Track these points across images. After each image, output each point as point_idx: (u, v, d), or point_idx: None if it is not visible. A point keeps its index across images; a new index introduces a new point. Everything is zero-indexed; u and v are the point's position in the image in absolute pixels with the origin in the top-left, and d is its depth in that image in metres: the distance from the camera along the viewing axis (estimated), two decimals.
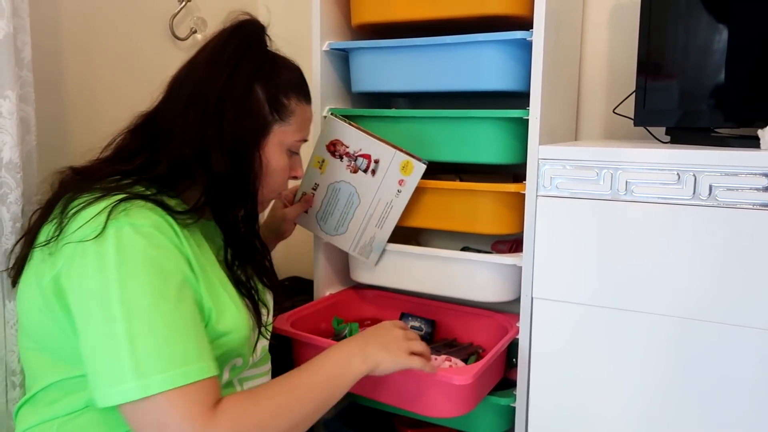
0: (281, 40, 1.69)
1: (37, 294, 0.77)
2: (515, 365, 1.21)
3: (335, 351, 0.86)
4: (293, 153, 0.96)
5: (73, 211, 0.76)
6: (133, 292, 0.71)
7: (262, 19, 0.93)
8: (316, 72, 1.26)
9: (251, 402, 0.75)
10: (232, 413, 0.72)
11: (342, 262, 1.38)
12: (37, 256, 0.78)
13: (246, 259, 0.91)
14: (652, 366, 0.88)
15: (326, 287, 1.35)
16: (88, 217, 0.74)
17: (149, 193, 0.80)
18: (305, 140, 0.96)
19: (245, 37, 0.88)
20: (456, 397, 1.04)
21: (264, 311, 0.94)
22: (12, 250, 0.87)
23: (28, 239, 0.82)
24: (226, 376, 0.86)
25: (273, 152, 0.90)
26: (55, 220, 0.77)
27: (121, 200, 0.75)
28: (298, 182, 1.18)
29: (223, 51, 0.86)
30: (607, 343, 0.90)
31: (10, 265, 0.86)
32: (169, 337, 0.71)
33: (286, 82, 0.91)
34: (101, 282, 0.71)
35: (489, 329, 1.28)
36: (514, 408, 1.15)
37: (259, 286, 0.95)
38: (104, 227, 0.72)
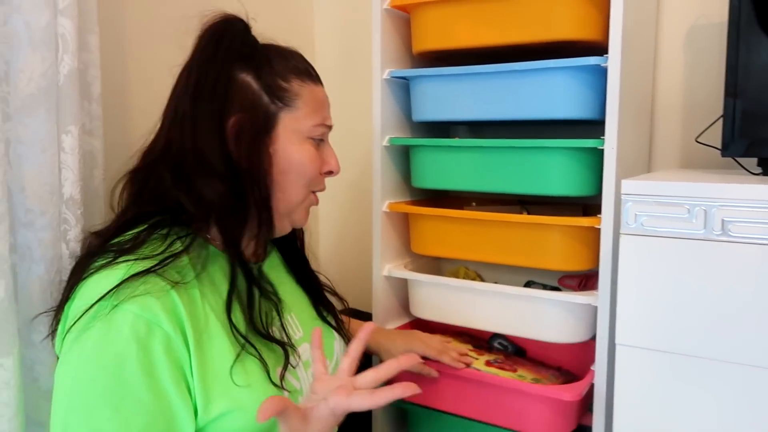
0: (338, 67, 1.68)
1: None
2: (590, 410, 1.13)
3: None
4: (319, 141, 0.85)
5: (85, 276, 0.71)
6: (83, 393, 0.65)
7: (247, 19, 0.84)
8: (376, 101, 1.23)
9: None
10: None
11: (401, 295, 1.34)
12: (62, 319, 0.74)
13: (262, 297, 0.80)
14: (745, 421, 0.80)
15: (386, 323, 1.30)
16: (86, 294, 0.68)
17: (162, 248, 0.72)
18: (328, 126, 0.86)
19: (215, 30, 0.79)
20: (562, 414, 1.06)
21: (295, 357, 0.82)
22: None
23: (62, 300, 0.75)
24: None
25: (289, 143, 0.80)
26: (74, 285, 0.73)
27: (122, 282, 0.67)
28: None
29: (194, 52, 0.79)
30: (697, 395, 0.83)
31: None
32: None
33: (281, 65, 0.81)
34: (64, 374, 0.67)
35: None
36: None
37: (293, 328, 0.87)
38: (92, 316, 0.66)
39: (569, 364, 1.24)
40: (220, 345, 0.73)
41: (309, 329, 0.89)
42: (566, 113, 1.07)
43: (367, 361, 1.28)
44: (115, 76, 1.15)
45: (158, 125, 0.81)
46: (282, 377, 0.76)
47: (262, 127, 0.78)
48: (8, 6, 0.84)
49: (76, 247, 0.90)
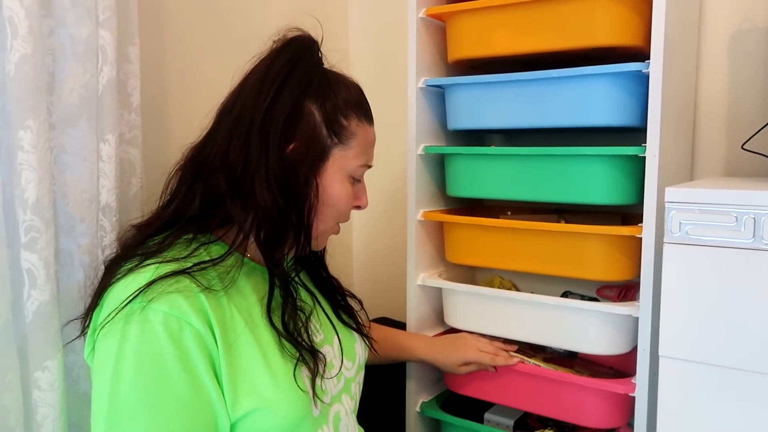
0: (373, 75, 1.69)
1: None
2: (629, 425, 1.11)
3: None
4: (356, 180, 0.88)
5: (113, 279, 0.72)
6: (123, 394, 0.66)
7: (314, 33, 0.86)
8: (411, 109, 1.22)
9: None
10: None
11: (435, 304, 1.32)
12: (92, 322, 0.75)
13: (294, 306, 0.81)
14: None
15: (420, 331, 1.29)
16: (116, 296, 0.70)
17: (186, 254, 0.74)
18: (369, 166, 0.89)
19: (294, 53, 0.81)
20: (616, 406, 1.08)
21: (332, 364, 0.86)
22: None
23: (93, 301, 0.76)
24: None
25: (333, 179, 0.83)
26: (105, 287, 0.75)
27: (151, 282, 0.69)
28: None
29: (269, 68, 0.80)
30: (743, 409, 0.79)
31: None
32: None
33: (344, 100, 0.83)
34: (102, 377, 0.68)
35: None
36: None
37: (323, 334, 0.88)
38: (125, 316, 0.68)
39: (620, 365, 1.22)
40: (246, 344, 0.74)
41: (329, 332, 0.90)
42: (606, 120, 1.05)
43: (401, 371, 1.28)
44: (154, 86, 1.18)
45: (210, 125, 0.82)
46: (313, 384, 0.77)
47: (317, 158, 0.81)
48: (54, 19, 0.87)
49: (111, 254, 0.91)
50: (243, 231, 0.77)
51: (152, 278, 0.69)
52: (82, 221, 0.89)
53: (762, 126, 0.99)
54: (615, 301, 1.16)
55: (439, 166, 1.30)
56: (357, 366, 0.94)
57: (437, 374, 1.33)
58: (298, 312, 0.81)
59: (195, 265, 0.72)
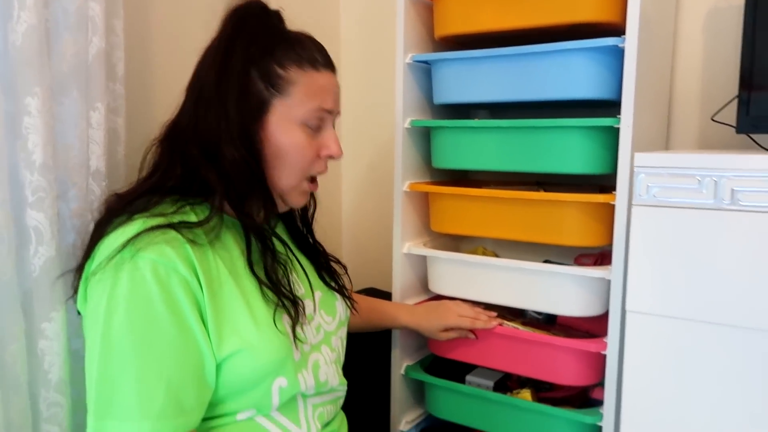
0: (362, 51, 1.72)
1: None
2: (600, 384, 1.17)
3: None
4: (316, 129, 0.88)
5: (104, 235, 0.77)
6: (115, 336, 0.70)
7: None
8: (399, 84, 1.27)
9: None
10: None
11: (420, 272, 1.38)
12: (83, 277, 0.80)
13: (273, 258, 0.85)
14: (757, 387, 0.83)
15: (405, 299, 1.35)
16: (107, 248, 0.74)
17: (172, 210, 0.79)
18: (327, 110, 0.88)
19: (238, 18, 0.85)
20: (589, 365, 1.15)
21: (311, 316, 0.91)
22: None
23: (83, 260, 0.82)
24: (275, 400, 0.82)
25: (279, 130, 0.84)
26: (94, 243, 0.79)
27: (140, 233, 0.73)
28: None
29: (218, 39, 0.85)
30: (707, 360, 0.86)
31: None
32: (135, 387, 0.70)
33: (283, 52, 0.85)
34: (95, 321, 0.72)
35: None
36: (600, 428, 1.10)
37: (305, 287, 0.94)
38: (115, 264, 0.72)
39: (595, 330, 1.28)
40: (230, 291, 0.79)
41: (309, 288, 0.95)
42: (585, 93, 1.10)
43: (386, 337, 1.33)
44: (138, 58, 1.21)
45: (182, 100, 0.87)
46: (294, 329, 0.83)
47: (256, 112, 0.83)
48: None
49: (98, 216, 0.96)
50: (217, 191, 0.82)
51: (140, 229, 0.74)
52: (74, 185, 0.93)
53: (730, 99, 1.04)
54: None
55: (425, 139, 1.35)
56: (337, 321, 0.99)
57: (421, 340, 1.39)
58: (278, 263, 0.86)
59: (181, 222, 0.77)
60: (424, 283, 1.37)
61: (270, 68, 0.84)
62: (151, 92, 1.25)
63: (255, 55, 0.83)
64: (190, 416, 0.73)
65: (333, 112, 0.90)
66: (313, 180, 0.92)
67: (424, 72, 1.32)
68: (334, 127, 0.92)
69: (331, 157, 0.90)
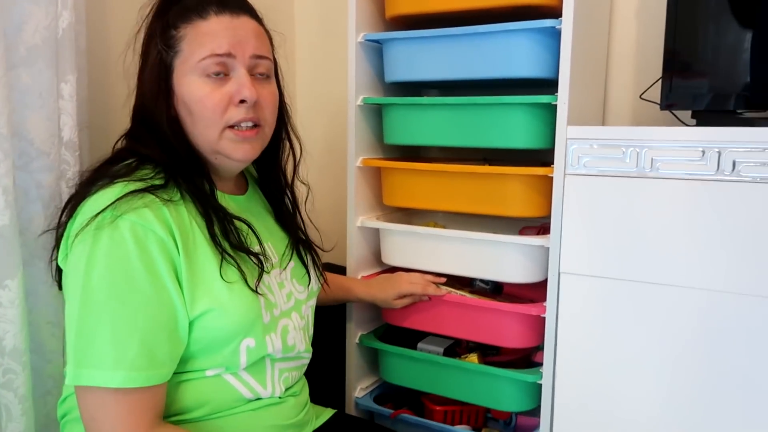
0: (316, 31, 1.75)
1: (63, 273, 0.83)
2: (541, 348, 1.25)
3: None
4: (222, 76, 0.86)
5: (85, 198, 0.80)
6: (94, 290, 0.75)
7: None
8: (351, 63, 1.31)
9: None
10: None
11: (373, 245, 1.43)
12: (62, 241, 0.83)
13: (222, 220, 0.87)
14: (677, 337, 0.91)
15: (359, 271, 1.40)
16: (88, 209, 0.78)
17: (152, 175, 0.83)
18: (224, 54, 0.85)
19: (155, 3, 0.90)
20: (531, 328, 1.22)
21: (283, 283, 0.96)
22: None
23: (60, 227, 0.85)
24: (243, 360, 0.86)
25: (182, 85, 0.86)
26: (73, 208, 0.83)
27: (122, 197, 0.77)
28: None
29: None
30: (634, 316, 0.94)
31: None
32: (111, 338, 0.74)
33: (175, 13, 0.87)
34: (75, 276, 0.76)
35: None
36: (540, 385, 1.18)
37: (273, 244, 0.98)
38: (96, 225, 0.76)
39: (540, 298, 1.35)
40: (204, 254, 0.83)
41: (284, 258, 1.00)
42: (525, 72, 1.17)
43: (341, 308, 1.39)
44: (98, 32, 1.22)
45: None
46: (258, 283, 0.87)
47: (162, 77, 0.86)
48: None
49: (74, 185, 0.98)
50: (163, 165, 0.85)
51: (121, 193, 0.78)
52: (44, 156, 0.95)
53: (656, 80, 1.12)
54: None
55: (377, 116, 1.40)
56: (308, 292, 1.03)
57: (375, 311, 1.45)
58: (245, 227, 0.90)
59: (158, 186, 0.81)
60: (377, 256, 1.43)
61: (167, 33, 0.86)
62: (109, 64, 1.26)
63: (157, 27, 0.87)
64: (161, 369, 0.78)
65: (234, 56, 0.86)
66: (233, 129, 0.88)
67: (376, 51, 1.37)
68: (267, 75, 0.91)
69: (243, 101, 0.86)
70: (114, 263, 0.75)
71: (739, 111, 1.03)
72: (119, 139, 0.92)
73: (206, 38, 0.85)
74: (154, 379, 0.76)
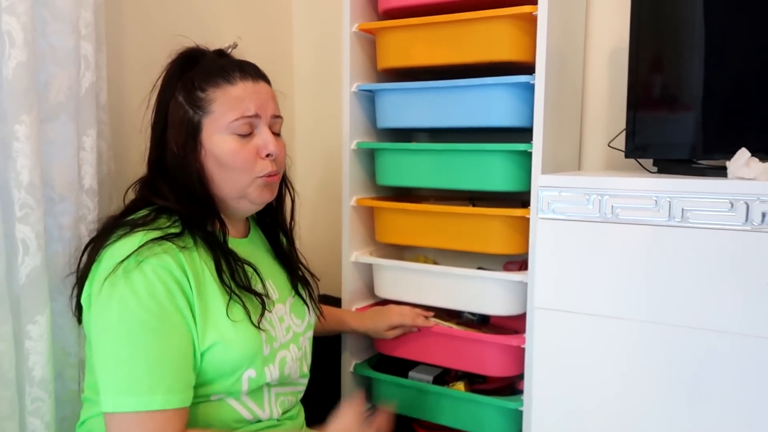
0: (314, 81, 1.88)
1: (86, 311, 0.93)
2: (523, 375, 1.34)
3: None
4: (248, 134, 0.97)
5: (106, 245, 0.90)
6: (127, 325, 0.85)
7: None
8: (346, 110, 1.43)
9: None
10: None
11: (367, 279, 1.53)
12: (86, 282, 0.93)
13: (231, 264, 0.97)
14: (636, 366, 1.01)
15: (354, 303, 1.50)
16: (112, 255, 0.88)
17: (168, 224, 0.93)
18: (249, 116, 0.97)
19: (172, 64, 1.01)
20: (512, 357, 1.31)
21: (282, 318, 1.05)
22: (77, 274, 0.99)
23: (83, 269, 0.95)
24: (244, 387, 0.95)
25: (214, 143, 0.96)
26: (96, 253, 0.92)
27: (144, 244, 0.87)
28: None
29: (160, 86, 1.00)
30: (598, 347, 1.03)
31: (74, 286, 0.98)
32: (146, 366, 0.84)
33: (199, 77, 0.97)
34: (108, 314, 0.86)
35: None
36: (521, 412, 1.27)
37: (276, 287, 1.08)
38: (123, 270, 0.86)
39: (523, 329, 1.44)
40: (213, 293, 0.93)
41: (284, 294, 1.10)
42: (503, 121, 1.28)
43: (337, 338, 1.48)
44: (115, 87, 1.33)
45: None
46: (260, 321, 0.96)
47: (190, 134, 0.96)
48: (42, 32, 1.03)
49: (93, 228, 1.09)
50: (179, 215, 0.95)
51: (141, 242, 0.88)
52: (65, 200, 1.06)
53: (620, 131, 1.23)
54: (514, 272, 1.40)
55: (370, 159, 1.51)
56: (306, 324, 1.13)
57: (368, 342, 1.54)
58: (250, 269, 1.00)
59: (174, 234, 0.92)
60: (370, 289, 1.53)
61: (193, 94, 0.96)
62: (127, 117, 1.38)
63: (181, 88, 0.97)
64: (188, 392, 0.88)
65: (260, 117, 0.98)
66: (264, 177, 1.00)
67: (369, 99, 1.48)
68: (279, 132, 1.04)
69: (269, 155, 0.99)
70: (143, 300, 0.85)
71: (694, 160, 1.14)
72: (131, 186, 1.02)
73: (236, 101, 0.96)
74: (186, 401, 0.87)
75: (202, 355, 0.91)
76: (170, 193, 0.96)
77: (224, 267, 0.95)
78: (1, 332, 0.94)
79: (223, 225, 1.00)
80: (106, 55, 1.19)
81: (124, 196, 1.02)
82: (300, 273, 1.17)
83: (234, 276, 0.96)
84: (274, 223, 1.16)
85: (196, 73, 0.98)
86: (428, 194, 1.65)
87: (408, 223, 1.41)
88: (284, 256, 1.16)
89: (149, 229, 0.91)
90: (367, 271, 1.52)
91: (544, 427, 1.12)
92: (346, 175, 1.45)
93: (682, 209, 0.94)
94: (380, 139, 1.54)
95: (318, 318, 1.21)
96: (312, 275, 1.20)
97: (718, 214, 0.92)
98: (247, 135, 0.98)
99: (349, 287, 1.48)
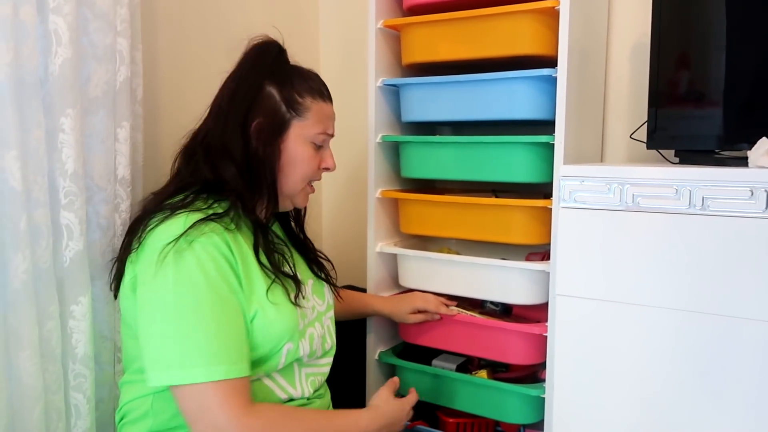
0: (339, 76, 1.92)
1: (127, 292, 0.97)
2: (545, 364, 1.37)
3: (353, 415, 1.05)
4: (319, 147, 1.09)
5: (149, 228, 0.95)
6: (184, 302, 0.88)
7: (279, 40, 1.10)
8: (371, 104, 1.46)
9: (282, 416, 0.94)
10: (265, 417, 0.91)
11: (391, 270, 1.57)
12: (128, 264, 0.98)
13: (271, 248, 1.03)
14: (656, 352, 1.03)
15: (378, 293, 1.53)
16: (158, 238, 0.92)
17: (205, 206, 0.97)
18: (329, 134, 1.11)
19: (257, 53, 1.06)
20: (534, 346, 1.33)
21: (308, 298, 1.10)
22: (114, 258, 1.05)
23: (123, 251, 1.00)
24: (282, 361, 1.00)
25: (295, 144, 1.05)
26: (138, 236, 0.97)
27: (191, 226, 0.91)
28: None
29: (239, 67, 1.05)
30: (619, 333, 1.06)
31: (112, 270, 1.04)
32: (213, 338, 0.88)
33: (300, 83, 1.06)
34: (163, 294, 0.89)
35: None
36: (543, 399, 1.29)
37: (302, 272, 1.13)
38: (176, 251, 0.90)
39: (545, 319, 1.46)
40: (256, 273, 0.99)
41: (305, 276, 1.15)
42: (526, 114, 1.30)
43: (362, 327, 1.52)
44: (151, 83, 1.39)
45: (205, 114, 1.07)
46: (297, 298, 1.03)
47: (278, 129, 1.04)
48: (84, 30, 1.08)
49: (126, 218, 1.16)
50: (234, 191, 1.00)
51: (185, 223, 0.92)
52: (102, 191, 1.11)
53: (642, 123, 1.25)
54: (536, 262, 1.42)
55: (394, 152, 1.54)
56: (326, 305, 1.19)
57: (393, 329, 1.58)
58: (276, 252, 1.05)
59: (214, 214, 0.96)
60: (395, 279, 1.56)
61: (291, 95, 1.04)
62: (161, 112, 1.44)
63: (274, 81, 1.04)
64: (247, 363, 0.92)
65: (332, 136, 1.12)
66: (310, 185, 1.13)
67: (393, 93, 1.52)
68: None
69: (327, 169, 1.12)
70: (198, 278, 0.90)
71: (716, 151, 1.15)
72: (178, 154, 1.06)
73: (325, 118, 1.09)
74: (246, 370, 0.91)
75: (248, 330, 0.96)
76: (232, 171, 1.00)
77: (265, 249, 1.01)
78: (49, 311, 0.99)
79: (273, 213, 1.06)
80: (141, 51, 1.24)
81: (173, 163, 1.06)
82: (314, 256, 1.22)
83: (274, 258, 1.01)
84: (295, 216, 1.23)
85: (295, 77, 1.06)
86: (451, 186, 1.68)
87: (432, 214, 1.45)
88: (299, 242, 1.22)
89: (190, 211, 0.95)
90: (392, 261, 1.56)
91: (566, 413, 1.15)
92: (371, 167, 1.48)
93: (703, 197, 0.96)
94: (404, 132, 1.57)
95: (336, 298, 1.26)
96: (326, 258, 1.25)
97: (739, 202, 0.94)
98: (319, 147, 1.09)
99: (374, 277, 1.52)
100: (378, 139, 1.48)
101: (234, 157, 1.01)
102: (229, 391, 0.88)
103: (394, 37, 1.50)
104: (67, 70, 1.00)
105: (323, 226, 1.98)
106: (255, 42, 1.06)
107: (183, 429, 0.95)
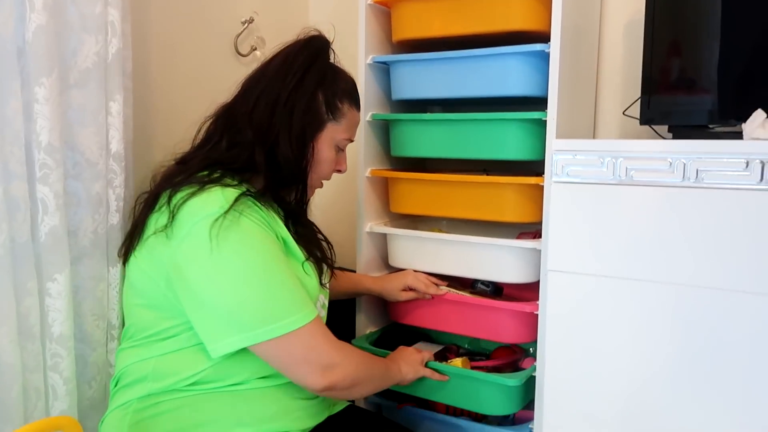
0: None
1: (150, 266, 0.97)
2: (530, 354, 1.36)
3: (392, 362, 1.21)
4: (340, 150, 1.16)
5: (180, 202, 0.95)
6: (252, 266, 0.93)
7: (328, 35, 1.14)
8: (360, 82, 1.43)
9: (360, 351, 1.06)
10: (354, 348, 1.03)
11: (381, 250, 1.55)
12: (153, 240, 0.97)
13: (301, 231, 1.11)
14: (650, 326, 1.01)
15: (369, 273, 1.51)
16: (196, 212, 0.93)
17: (235, 183, 1.00)
18: (351, 140, 1.17)
19: (314, 50, 1.11)
20: (526, 324, 1.32)
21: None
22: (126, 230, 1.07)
23: (138, 224, 1.01)
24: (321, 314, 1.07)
25: (324, 145, 1.11)
26: (163, 209, 0.96)
27: (235, 201, 0.94)
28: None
29: (294, 59, 1.08)
30: (612, 308, 1.04)
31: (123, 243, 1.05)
32: (294, 288, 0.96)
33: (342, 89, 1.12)
34: (224, 265, 0.92)
35: None
36: (522, 389, 1.27)
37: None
38: (229, 223, 0.92)
39: (536, 299, 1.45)
40: (291, 244, 1.05)
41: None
42: (519, 91, 1.28)
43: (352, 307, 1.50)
44: (140, 56, 1.36)
45: (238, 92, 1.09)
46: (321, 275, 1.11)
47: (317, 127, 1.09)
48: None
49: (120, 192, 1.14)
50: (262, 173, 1.03)
51: (227, 197, 0.95)
52: (94, 165, 1.08)
53: (636, 98, 1.23)
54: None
55: (384, 130, 1.52)
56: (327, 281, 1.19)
57: (383, 310, 1.56)
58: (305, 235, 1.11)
59: (248, 191, 1.00)
60: (385, 259, 1.54)
61: (333, 98, 1.10)
62: (150, 85, 1.41)
63: (325, 84, 1.09)
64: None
65: (352, 141, 1.19)
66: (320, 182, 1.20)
67: (384, 71, 1.49)
68: None
69: (339, 171, 1.19)
70: (255, 244, 0.95)
71: (710, 126, 1.14)
72: (203, 123, 1.08)
73: (353, 126, 1.17)
74: (315, 312, 0.98)
75: None
76: (268, 155, 1.03)
77: (296, 231, 1.07)
78: (27, 288, 0.97)
79: (305, 195, 1.13)
80: (130, 23, 1.20)
81: (198, 130, 1.08)
82: (313, 237, 1.20)
83: (302, 238, 1.07)
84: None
85: (339, 81, 1.13)
86: (442, 166, 1.65)
87: (422, 193, 1.43)
88: (303, 227, 1.20)
89: (222, 186, 0.97)
90: (382, 241, 1.53)
91: (557, 391, 1.14)
92: (361, 145, 1.46)
93: (697, 170, 0.95)
94: (394, 110, 1.55)
95: (331, 275, 1.25)
96: (325, 239, 1.23)
97: (733, 174, 0.92)
98: (339, 150, 1.16)
99: (364, 257, 1.50)
100: (368, 118, 1.46)
101: (275, 144, 1.04)
102: (323, 328, 0.98)
103: (384, 13, 1.47)
104: (41, 38, 0.96)
105: (312, 206, 1.95)
106: (312, 35, 1.13)
107: (182, 392, 0.96)
